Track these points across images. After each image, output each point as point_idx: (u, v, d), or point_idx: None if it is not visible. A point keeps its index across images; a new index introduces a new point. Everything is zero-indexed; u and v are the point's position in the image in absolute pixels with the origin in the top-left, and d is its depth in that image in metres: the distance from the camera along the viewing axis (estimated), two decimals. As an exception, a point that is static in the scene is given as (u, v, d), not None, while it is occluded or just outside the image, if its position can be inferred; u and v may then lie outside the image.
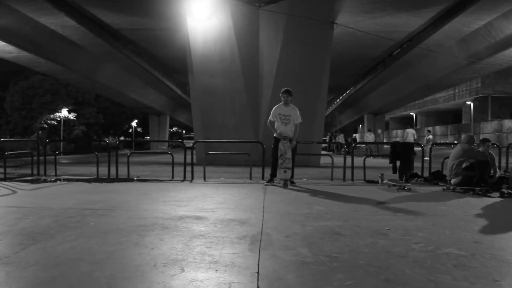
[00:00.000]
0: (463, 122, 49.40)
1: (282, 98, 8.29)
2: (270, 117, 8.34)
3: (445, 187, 7.75)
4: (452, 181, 7.60)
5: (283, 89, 8.34)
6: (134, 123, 60.09)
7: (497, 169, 8.26)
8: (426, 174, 9.43)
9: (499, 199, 6.51)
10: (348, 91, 33.72)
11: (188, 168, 9.34)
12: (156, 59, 26.13)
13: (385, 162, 10.94)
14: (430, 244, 3.53)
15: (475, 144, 7.87)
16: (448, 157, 8.33)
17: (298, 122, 8.25)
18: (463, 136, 8.31)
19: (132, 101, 41.22)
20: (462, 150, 7.59)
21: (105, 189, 7.45)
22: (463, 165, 7.47)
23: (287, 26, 15.41)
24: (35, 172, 10.13)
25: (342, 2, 16.12)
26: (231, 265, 2.93)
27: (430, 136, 24.84)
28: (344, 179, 9.40)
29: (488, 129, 40.93)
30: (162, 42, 22.91)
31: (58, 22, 20.18)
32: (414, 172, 9.36)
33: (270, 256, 3.14)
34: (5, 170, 9.33)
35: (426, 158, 10.52)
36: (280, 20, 15.30)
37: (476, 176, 7.25)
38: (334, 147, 31.87)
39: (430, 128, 38.28)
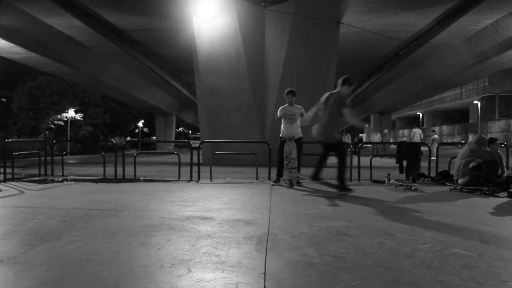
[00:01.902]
0: (470, 121, 49.17)
1: (286, 99, 8.31)
2: (278, 115, 8.35)
3: (452, 187, 7.71)
4: (459, 181, 7.56)
5: (287, 90, 8.36)
6: (140, 123, 60.27)
7: (505, 169, 8.20)
8: (433, 174, 9.39)
9: (507, 199, 6.47)
10: (355, 90, 33.63)
11: (195, 168, 9.36)
12: (162, 59, 26.21)
13: (392, 162, 10.90)
14: (437, 244, 3.52)
15: (485, 146, 7.79)
16: (455, 157, 8.29)
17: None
18: (472, 136, 8.26)
19: (139, 101, 41.34)
20: (469, 150, 7.54)
21: (112, 189, 7.48)
22: (471, 165, 7.43)
23: (293, 26, 15.41)
24: (42, 172, 10.20)
25: (348, 1, 16.11)
26: (238, 265, 2.93)
27: (436, 136, 24.77)
28: (350, 179, 9.37)
29: (495, 128, 40.69)
30: (168, 42, 22.98)
31: (65, 23, 20.30)
32: (420, 172, 9.32)
33: (277, 257, 3.15)
34: (12, 171, 9.39)
35: (433, 158, 10.48)
36: (286, 20, 15.31)
37: (484, 176, 7.21)
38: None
39: (435, 128, 38.12)
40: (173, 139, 58.39)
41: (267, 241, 3.61)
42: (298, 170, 8.22)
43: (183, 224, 4.28)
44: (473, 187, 7.23)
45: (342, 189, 6.73)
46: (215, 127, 17.45)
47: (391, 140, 51.77)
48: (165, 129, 55.75)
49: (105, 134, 49.96)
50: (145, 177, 9.74)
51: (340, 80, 6.94)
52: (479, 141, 7.65)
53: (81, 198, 6.27)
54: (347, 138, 34.95)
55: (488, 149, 7.71)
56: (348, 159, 10.01)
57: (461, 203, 6.09)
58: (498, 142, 8.15)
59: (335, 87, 7.18)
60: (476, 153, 7.43)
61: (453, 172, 8.40)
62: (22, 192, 7.01)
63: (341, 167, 6.87)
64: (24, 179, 9.27)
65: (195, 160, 9.54)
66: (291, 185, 7.92)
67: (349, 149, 22.28)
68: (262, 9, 15.70)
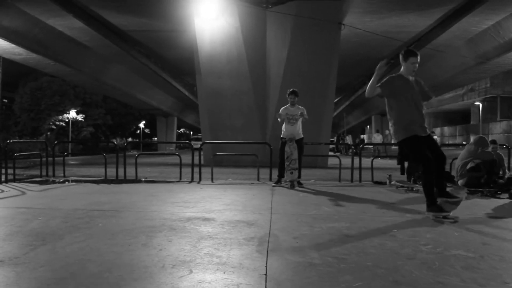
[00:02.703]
0: (471, 122, 49.10)
1: (288, 99, 8.30)
2: (280, 114, 8.31)
3: (452, 188, 7.66)
4: (459, 182, 7.52)
5: (289, 90, 8.36)
6: (141, 124, 60.31)
7: (506, 170, 8.17)
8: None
9: (508, 201, 6.46)
10: (356, 92, 33.61)
11: (196, 169, 9.37)
12: (164, 60, 26.23)
13: (393, 163, 10.90)
14: (439, 245, 3.52)
15: (486, 146, 7.73)
16: (456, 158, 8.28)
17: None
18: (473, 137, 8.23)
19: (140, 102, 41.42)
20: (467, 151, 7.53)
21: (113, 190, 7.49)
22: (468, 166, 7.40)
23: (294, 27, 15.41)
24: (43, 173, 10.21)
25: (349, 2, 16.10)
26: (239, 266, 2.93)
27: (435, 137, 24.84)
28: (351, 180, 9.38)
29: (497, 129, 40.65)
30: (169, 43, 23.00)
31: (66, 24, 20.34)
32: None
33: (278, 258, 3.15)
34: (14, 171, 9.40)
35: None
36: (288, 21, 15.32)
37: (483, 177, 7.19)
38: (342, 148, 31.82)
39: (434, 130, 38.25)
40: (174, 140, 58.46)
41: (268, 242, 3.61)
42: (299, 171, 8.21)
43: (184, 225, 4.28)
44: (473, 188, 7.20)
45: (430, 207, 4.78)
46: (216, 128, 17.46)
47: (393, 141, 51.68)
48: (167, 130, 55.87)
49: (107, 135, 49.96)
50: (146, 178, 9.74)
51: None
52: (477, 141, 7.60)
53: (83, 199, 6.27)
54: (348, 140, 35.01)
55: (489, 149, 7.67)
56: (350, 160, 10.03)
57: (463, 204, 6.05)
58: (496, 145, 8.11)
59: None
60: (474, 153, 7.40)
61: (454, 173, 8.38)
62: (23, 193, 7.02)
63: (422, 176, 5.00)
64: (25, 180, 9.29)
65: (196, 161, 9.55)
66: (292, 186, 7.92)
67: (350, 150, 22.22)
68: (264, 10, 15.72)
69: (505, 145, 9.64)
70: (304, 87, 12.92)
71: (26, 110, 39.44)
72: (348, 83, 32.46)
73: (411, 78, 5.20)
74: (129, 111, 53.49)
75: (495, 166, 7.41)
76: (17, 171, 9.77)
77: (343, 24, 16.10)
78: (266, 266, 2.93)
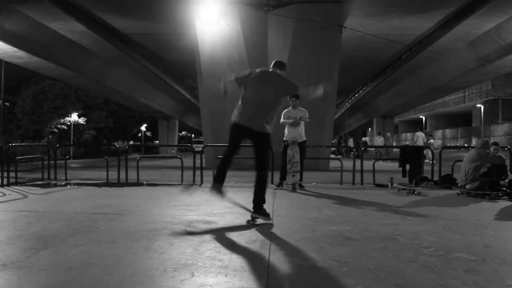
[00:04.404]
0: (473, 125, 49.09)
1: (290, 102, 8.29)
2: (282, 119, 8.31)
3: (459, 192, 7.59)
4: (467, 186, 7.41)
5: None
6: (143, 127, 60.38)
7: (509, 172, 8.15)
8: (436, 177, 9.36)
9: (510, 203, 6.45)
10: (357, 94, 33.63)
11: (198, 172, 9.37)
12: (165, 63, 26.25)
13: (395, 165, 10.88)
14: (441, 248, 3.51)
15: (490, 150, 7.71)
16: (459, 160, 8.25)
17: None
18: (477, 141, 8.19)
19: (141, 105, 41.44)
20: (478, 154, 7.42)
21: (115, 193, 7.50)
22: (481, 171, 7.29)
23: (295, 30, 15.42)
24: (45, 176, 10.22)
25: (350, 5, 16.11)
26: (241, 269, 2.93)
27: (431, 140, 24.94)
28: (353, 183, 9.36)
29: (498, 132, 40.62)
30: (170, 46, 23.00)
31: (68, 27, 20.36)
32: (423, 175, 9.30)
33: (280, 261, 3.14)
34: (16, 175, 9.41)
35: (426, 161, 10.48)
36: (289, 24, 15.33)
37: (493, 181, 7.12)
38: (343, 151, 31.79)
39: (431, 133, 38.51)
40: (176, 143, 58.42)
41: (270, 245, 3.61)
42: (301, 174, 8.21)
43: (186, 228, 4.29)
44: (481, 192, 7.12)
45: (257, 211, 4.70)
46: (218, 131, 17.45)
47: (394, 144, 51.65)
48: (168, 133, 55.79)
49: (108, 138, 50.01)
50: (148, 181, 9.74)
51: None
52: (485, 144, 7.57)
53: (84, 202, 6.28)
54: (350, 142, 34.98)
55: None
56: (351, 162, 10.00)
57: (465, 207, 6.07)
58: (498, 146, 8.08)
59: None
60: (485, 157, 7.33)
61: (456, 175, 8.36)
62: (25, 196, 7.02)
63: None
64: (27, 183, 9.29)
65: (198, 164, 9.55)
66: (294, 189, 7.92)
67: (352, 152, 22.19)
68: (265, 13, 15.72)
69: (507, 147, 9.62)
70: (305, 89, 12.93)
71: (28, 114, 39.51)
72: (350, 86, 32.46)
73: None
74: (130, 114, 53.54)
75: (505, 170, 7.36)
76: (19, 175, 9.79)
77: (344, 27, 16.11)
78: (268, 269, 2.93)
